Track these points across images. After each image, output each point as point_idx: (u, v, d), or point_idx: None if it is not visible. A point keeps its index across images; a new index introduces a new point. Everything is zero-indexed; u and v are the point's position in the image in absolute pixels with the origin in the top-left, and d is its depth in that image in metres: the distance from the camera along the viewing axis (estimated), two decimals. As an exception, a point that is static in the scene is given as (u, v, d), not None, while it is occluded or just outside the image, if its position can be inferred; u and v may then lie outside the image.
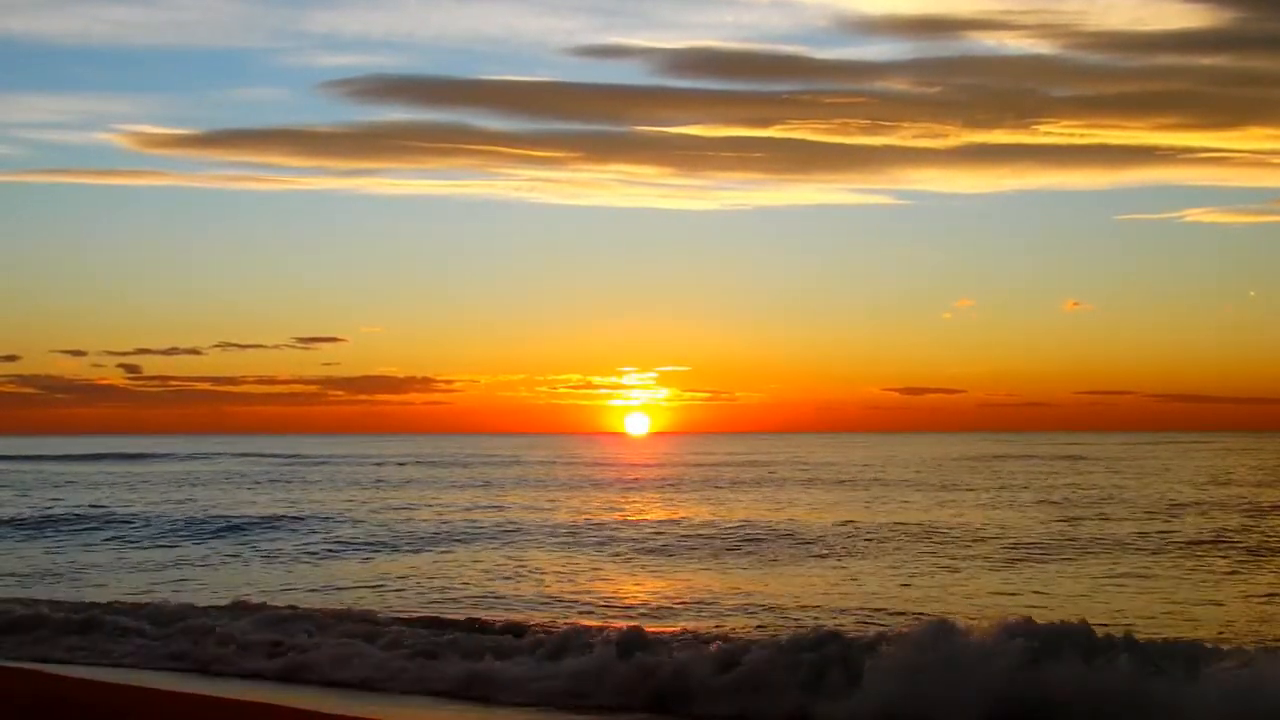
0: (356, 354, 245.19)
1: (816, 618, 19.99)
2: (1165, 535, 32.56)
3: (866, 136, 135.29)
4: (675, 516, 40.55)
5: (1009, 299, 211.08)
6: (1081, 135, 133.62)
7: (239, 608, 21.11)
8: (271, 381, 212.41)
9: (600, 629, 17.69)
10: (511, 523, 38.66)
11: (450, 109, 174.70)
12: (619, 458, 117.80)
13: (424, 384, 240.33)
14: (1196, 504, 43.82)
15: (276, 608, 20.98)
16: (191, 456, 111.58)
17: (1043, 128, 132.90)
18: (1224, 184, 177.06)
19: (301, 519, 40.09)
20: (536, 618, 20.16)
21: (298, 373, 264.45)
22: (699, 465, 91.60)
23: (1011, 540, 31.87)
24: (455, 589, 24.45)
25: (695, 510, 43.46)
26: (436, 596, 23.51)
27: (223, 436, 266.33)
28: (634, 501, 49.93)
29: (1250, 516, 38.30)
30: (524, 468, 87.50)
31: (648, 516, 41.04)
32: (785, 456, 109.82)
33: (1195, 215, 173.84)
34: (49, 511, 43.41)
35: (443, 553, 30.86)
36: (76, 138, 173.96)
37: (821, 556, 29.36)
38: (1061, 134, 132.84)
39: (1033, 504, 45.10)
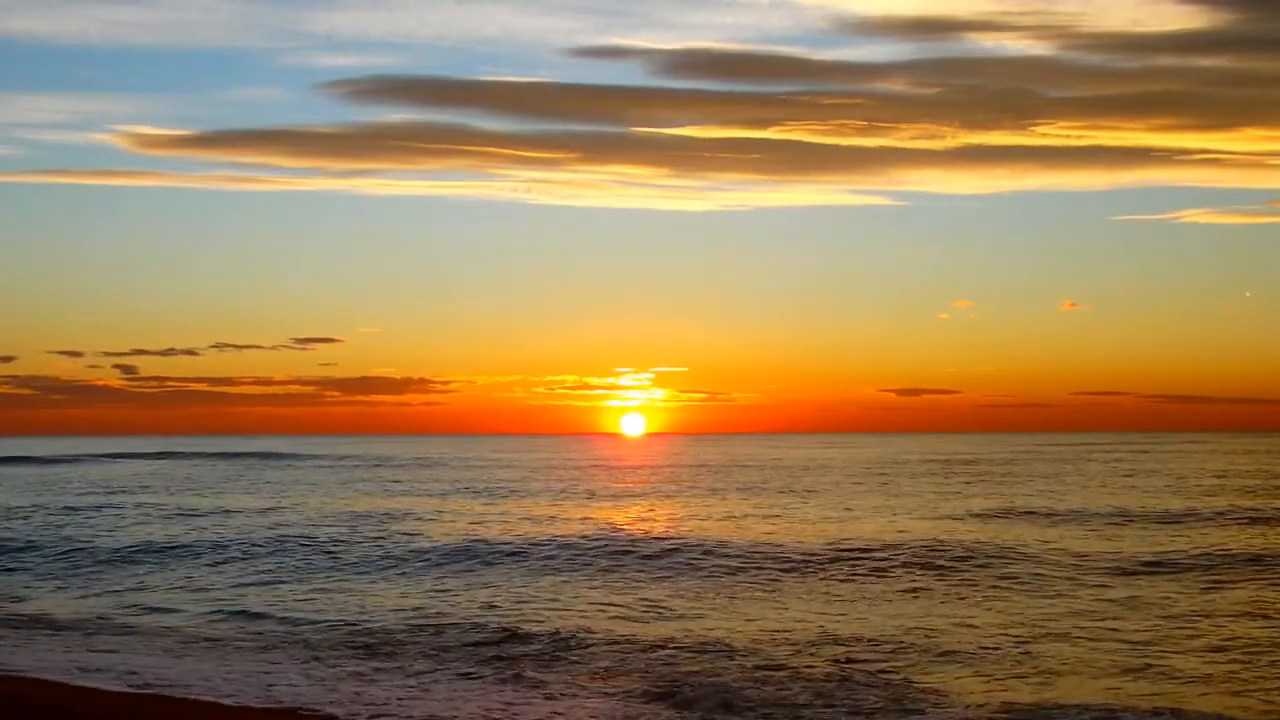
0: (353, 355, 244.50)
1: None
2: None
3: (864, 137, 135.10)
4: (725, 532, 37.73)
5: (1006, 300, 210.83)
6: (1079, 136, 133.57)
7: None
8: (268, 382, 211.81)
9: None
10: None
11: (448, 109, 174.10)
12: (622, 459, 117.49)
13: (421, 385, 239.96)
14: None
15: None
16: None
17: (1040, 129, 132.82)
18: (1221, 185, 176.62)
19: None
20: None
21: (295, 373, 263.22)
22: (739, 467, 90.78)
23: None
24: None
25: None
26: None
27: (219, 437, 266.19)
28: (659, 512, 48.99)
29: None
30: (533, 472, 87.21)
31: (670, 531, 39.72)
32: (790, 460, 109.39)
33: (1192, 216, 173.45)
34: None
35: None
36: (74, 138, 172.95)
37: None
38: (1059, 135, 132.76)
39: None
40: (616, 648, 18.94)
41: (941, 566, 27.71)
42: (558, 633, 20.10)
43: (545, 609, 22.89)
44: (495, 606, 23.24)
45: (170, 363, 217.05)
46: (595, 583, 26.40)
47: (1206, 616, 21.31)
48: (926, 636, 19.53)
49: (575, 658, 18.29)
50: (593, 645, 19.08)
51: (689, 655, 18.27)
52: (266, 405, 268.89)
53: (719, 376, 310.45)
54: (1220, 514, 40.50)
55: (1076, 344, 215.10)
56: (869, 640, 19.22)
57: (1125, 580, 25.60)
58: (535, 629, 20.52)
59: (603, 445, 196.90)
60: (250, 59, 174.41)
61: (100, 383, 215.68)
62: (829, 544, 32.10)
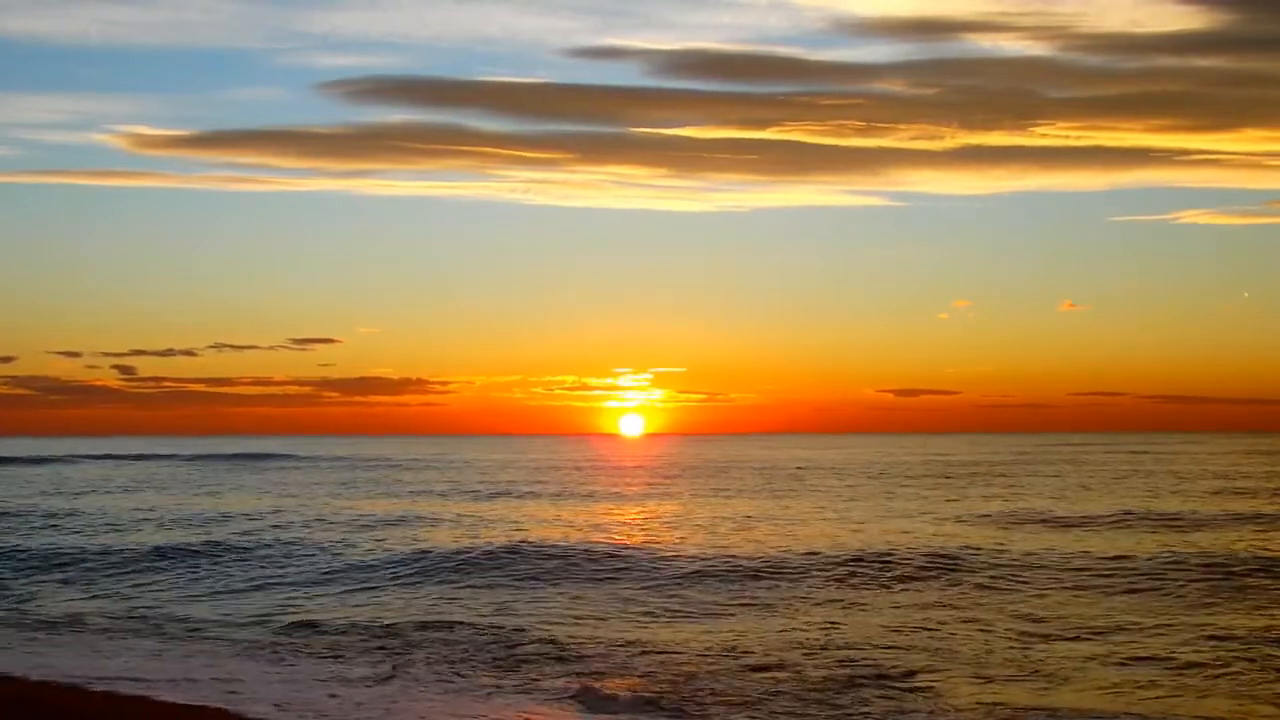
0: (352, 355, 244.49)
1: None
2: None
3: (862, 138, 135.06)
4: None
5: (1005, 300, 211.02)
6: (1078, 137, 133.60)
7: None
8: (267, 383, 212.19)
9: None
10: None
11: (447, 110, 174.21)
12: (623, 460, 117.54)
13: (419, 385, 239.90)
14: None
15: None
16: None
17: (1039, 129, 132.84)
18: (1219, 186, 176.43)
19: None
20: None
21: (293, 374, 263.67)
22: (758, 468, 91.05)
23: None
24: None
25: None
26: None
27: (217, 438, 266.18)
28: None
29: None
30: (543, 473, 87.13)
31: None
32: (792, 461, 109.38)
33: (1190, 217, 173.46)
34: None
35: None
36: (72, 138, 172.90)
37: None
38: (1058, 135, 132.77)
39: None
40: (618, 650, 18.88)
41: (941, 567, 27.66)
42: (559, 637, 20.04)
43: (549, 612, 22.86)
44: (500, 609, 23.20)
45: (169, 363, 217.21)
46: (598, 586, 26.34)
47: (1208, 616, 21.28)
48: (928, 637, 19.49)
49: (576, 660, 18.21)
50: (594, 648, 19.02)
51: (691, 657, 18.23)
52: (265, 406, 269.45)
53: (718, 377, 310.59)
54: (1221, 514, 40.47)
55: (1076, 344, 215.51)
56: (870, 642, 19.18)
57: (1126, 580, 25.56)
58: (539, 633, 20.45)
59: (602, 446, 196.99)
60: (250, 59, 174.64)
61: (99, 383, 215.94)
62: (829, 545, 32.03)
